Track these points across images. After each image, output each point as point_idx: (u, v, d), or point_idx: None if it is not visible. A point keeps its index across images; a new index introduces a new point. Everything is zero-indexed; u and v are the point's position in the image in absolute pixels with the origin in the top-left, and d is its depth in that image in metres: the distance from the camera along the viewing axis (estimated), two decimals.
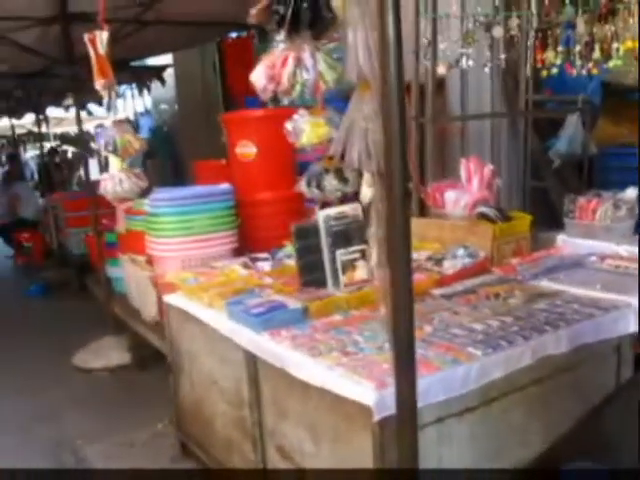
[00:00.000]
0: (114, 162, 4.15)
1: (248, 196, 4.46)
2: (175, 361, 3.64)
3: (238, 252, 4.25)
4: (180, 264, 3.97)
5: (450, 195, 3.76)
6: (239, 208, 4.33)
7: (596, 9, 2.75)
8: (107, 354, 5.49)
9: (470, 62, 2.98)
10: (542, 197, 4.91)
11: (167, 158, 9.48)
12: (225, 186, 4.29)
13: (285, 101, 1.99)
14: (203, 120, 8.27)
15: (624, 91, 4.14)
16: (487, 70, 3.27)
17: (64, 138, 15.63)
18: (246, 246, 4.28)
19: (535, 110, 4.96)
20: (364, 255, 2.06)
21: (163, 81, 7.75)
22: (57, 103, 10.28)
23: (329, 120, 2.15)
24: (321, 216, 2.08)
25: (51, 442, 4.19)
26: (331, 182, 2.18)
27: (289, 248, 3.94)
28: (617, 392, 2.78)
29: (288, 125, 2.27)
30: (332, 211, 2.11)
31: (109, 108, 3.46)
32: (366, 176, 1.96)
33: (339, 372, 2.26)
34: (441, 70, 3.10)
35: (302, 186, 2.33)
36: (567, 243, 3.63)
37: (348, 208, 2.11)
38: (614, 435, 2.67)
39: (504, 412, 2.40)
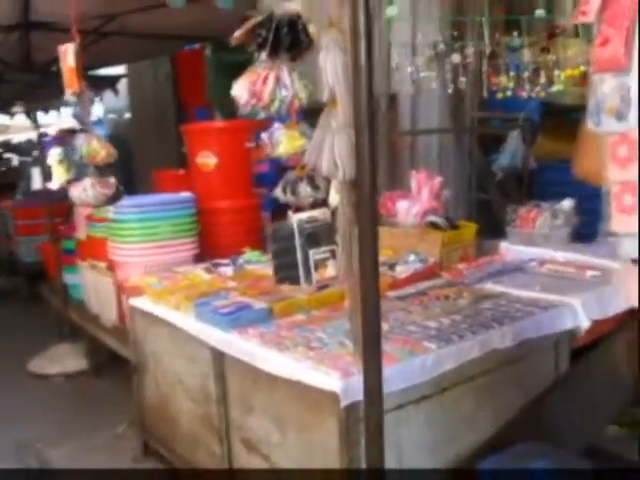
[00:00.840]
0: (58, 172, 4.24)
1: (208, 204, 4.62)
2: (139, 362, 3.77)
3: (198, 258, 4.41)
4: (143, 269, 4.10)
5: (402, 204, 3.99)
6: (200, 216, 4.50)
7: (539, 41, 3.06)
8: (63, 360, 5.54)
9: (433, 84, 3.25)
10: (486, 208, 5.20)
11: (120, 167, 9.48)
12: (187, 194, 4.45)
13: (262, 114, 2.19)
14: (155, 130, 8.38)
15: (562, 111, 4.47)
16: (449, 90, 3.54)
17: (8, 146, 15.42)
18: (206, 252, 4.44)
19: (479, 127, 5.29)
20: (334, 255, 2.27)
21: (117, 91, 7.83)
22: (4, 110, 10.19)
23: (303, 133, 2.36)
24: (295, 219, 2.29)
25: (12, 446, 4.23)
26: (305, 189, 2.40)
27: (249, 254, 4.14)
28: (555, 383, 3.05)
29: (264, 136, 2.48)
30: (304, 215, 2.33)
31: (78, 117, 3.57)
32: (334, 183, 2.17)
33: (307, 364, 2.46)
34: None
35: (278, 192, 2.54)
36: (509, 250, 3.90)
37: (318, 212, 2.33)
38: (553, 421, 2.94)
39: (456, 400, 2.63)
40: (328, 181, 2.27)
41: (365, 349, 2.00)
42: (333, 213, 2.18)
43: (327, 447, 2.39)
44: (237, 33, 2.14)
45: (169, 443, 3.60)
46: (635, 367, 3.02)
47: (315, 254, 2.29)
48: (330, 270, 2.32)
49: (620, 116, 1.31)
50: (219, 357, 3.00)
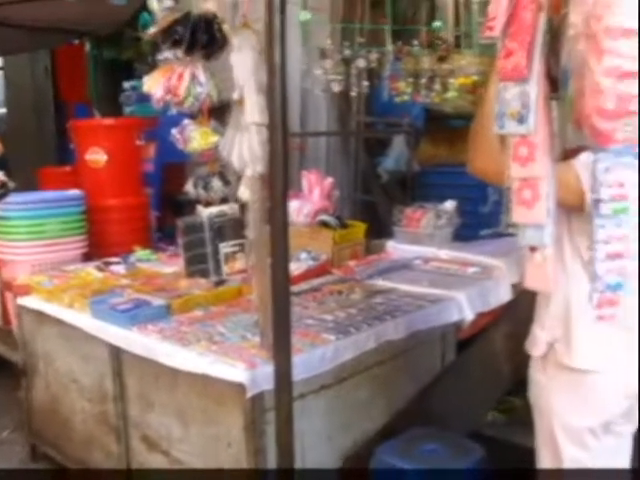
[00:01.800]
0: None
1: (98, 202, 4.53)
2: (28, 364, 3.66)
3: (87, 257, 4.32)
4: (30, 268, 3.98)
5: (294, 204, 4.09)
6: (89, 214, 4.41)
7: (437, 51, 3.28)
8: None
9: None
10: (370, 209, 5.40)
11: None
12: (76, 192, 4.35)
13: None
14: (33, 126, 8.06)
15: (443, 117, 4.73)
16: (331, 93, 3.68)
17: None
18: (95, 251, 4.36)
19: (365, 130, 5.50)
20: (243, 248, 2.34)
21: None
22: None
23: (215, 129, 2.41)
24: (205, 214, 2.34)
25: None
26: (217, 184, 2.45)
27: (140, 253, 4.10)
28: (442, 373, 3.25)
29: (174, 132, 2.50)
30: (214, 209, 2.38)
31: None
32: (244, 178, 2.24)
33: (211, 358, 2.51)
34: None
35: (189, 187, 2.57)
36: (396, 249, 4.08)
37: (227, 207, 2.39)
38: (440, 408, 3.13)
39: (353, 390, 2.76)
40: (238, 177, 2.33)
41: (276, 339, 2.08)
42: (243, 207, 2.25)
43: (232, 439, 2.45)
44: (152, 29, 2.17)
45: (61, 445, 3.51)
46: (511, 358, 3.27)
47: (225, 247, 2.35)
48: (239, 263, 2.39)
49: (521, 120, 1.47)
50: (117, 355, 2.98)
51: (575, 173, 1.69)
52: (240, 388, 2.35)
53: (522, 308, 2.43)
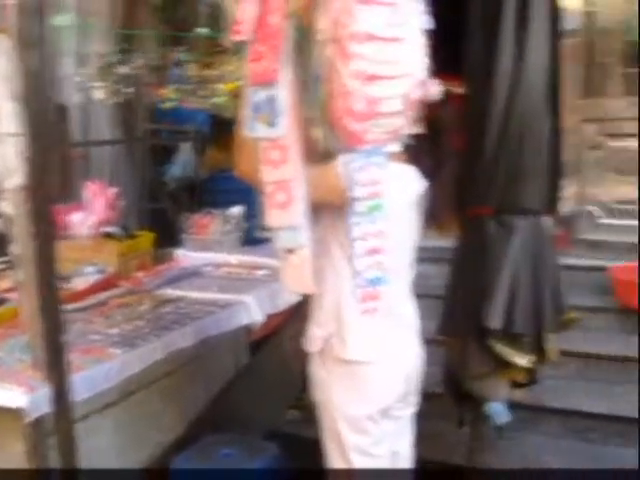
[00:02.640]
0: None
1: None
2: None
3: None
4: None
5: (76, 216, 3.91)
6: None
7: (205, 57, 3.28)
8: None
9: (101, 94, 3.26)
10: (160, 218, 5.30)
11: None
12: None
13: None
14: None
15: (228, 123, 4.76)
16: (114, 101, 3.57)
17: None
18: None
19: (151, 138, 5.38)
20: (11, 265, 2.18)
21: None
22: None
23: None
24: None
25: None
26: None
27: None
28: (237, 376, 3.28)
29: None
30: None
31: None
32: (5, 192, 2.09)
33: None
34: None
35: None
36: (186, 256, 4.04)
37: None
38: (238, 411, 3.15)
39: (142, 403, 2.70)
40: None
41: (49, 359, 1.97)
42: (7, 222, 2.11)
43: (15, 466, 2.30)
44: None
45: None
46: (302, 355, 3.37)
47: None
48: (6, 282, 2.23)
49: (271, 123, 1.51)
50: None
51: (336, 173, 1.76)
52: (19, 413, 2.21)
53: (309, 307, 2.51)
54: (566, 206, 4.58)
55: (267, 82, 1.48)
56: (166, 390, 2.81)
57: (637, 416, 3.72)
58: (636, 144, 4.90)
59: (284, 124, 1.49)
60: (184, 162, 4.89)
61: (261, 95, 1.50)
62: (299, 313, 3.41)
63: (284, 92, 1.49)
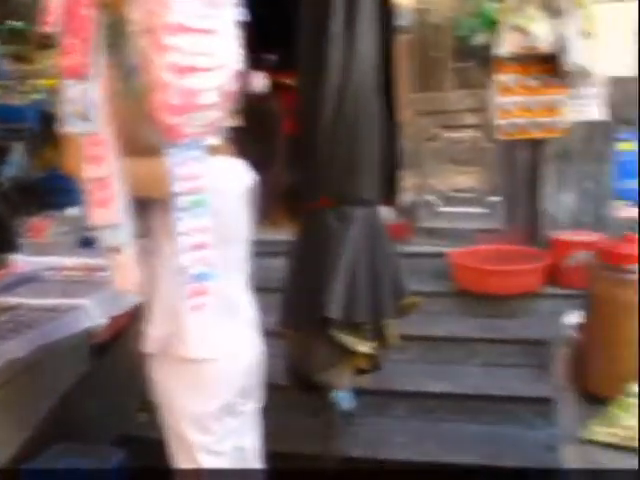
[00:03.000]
0: None
1: None
2: None
3: None
4: None
5: None
6: None
7: (24, 51, 3.10)
8: None
9: None
10: None
11: None
12: None
13: None
14: None
15: (56, 119, 4.55)
16: None
17: None
18: None
19: None
20: None
21: None
22: None
23: None
24: None
25: None
26: None
27: None
28: (78, 382, 3.15)
29: None
30: None
31: None
32: None
33: None
34: None
35: None
36: (25, 262, 3.85)
37: None
38: (83, 418, 3.04)
39: None
40: None
41: None
42: None
43: None
44: None
45: None
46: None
47: None
48: None
49: (86, 118, 1.46)
50: None
51: (162, 168, 1.74)
52: None
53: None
54: (406, 196, 4.78)
55: (79, 76, 1.43)
56: (3, 403, 2.66)
57: (478, 393, 3.95)
58: (470, 135, 5.19)
59: (99, 119, 1.45)
60: (17, 162, 4.63)
61: (74, 89, 1.45)
62: (140, 313, 3.35)
63: (97, 86, 1.45)
